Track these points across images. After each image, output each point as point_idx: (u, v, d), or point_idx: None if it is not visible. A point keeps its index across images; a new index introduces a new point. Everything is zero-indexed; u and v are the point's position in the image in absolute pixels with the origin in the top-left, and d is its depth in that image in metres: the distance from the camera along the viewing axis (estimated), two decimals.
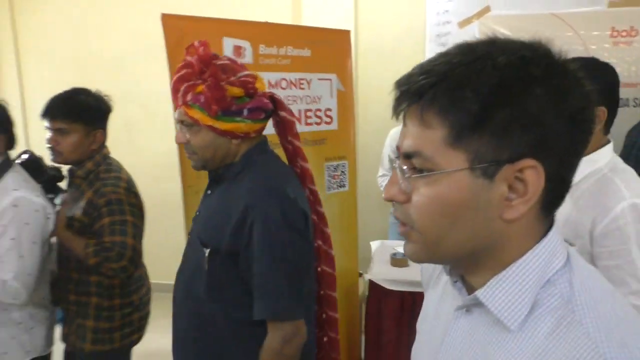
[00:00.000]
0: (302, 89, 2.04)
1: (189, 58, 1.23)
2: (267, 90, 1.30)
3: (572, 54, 0.67)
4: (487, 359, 0.59)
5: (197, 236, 1.28)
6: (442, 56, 0.57)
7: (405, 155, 0.59)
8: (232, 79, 1.20)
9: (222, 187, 1.29)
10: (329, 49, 1.98)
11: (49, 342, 1.78)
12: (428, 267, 0.78)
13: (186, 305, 1.30)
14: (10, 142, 1.69)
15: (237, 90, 1.20)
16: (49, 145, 1.70)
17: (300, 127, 1.59)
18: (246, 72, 1.24)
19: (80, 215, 1.65)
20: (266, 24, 1.92)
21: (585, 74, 0.57)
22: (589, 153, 1.28)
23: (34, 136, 3.91)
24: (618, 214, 1.19)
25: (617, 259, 1.19)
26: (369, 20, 3.38)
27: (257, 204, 1.17)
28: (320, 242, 1.38)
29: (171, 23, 1.59)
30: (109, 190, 1.63)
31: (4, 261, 1.54)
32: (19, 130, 1.78)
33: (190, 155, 1.29)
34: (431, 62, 0.57)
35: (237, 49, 1.75)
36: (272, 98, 1.30)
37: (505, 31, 2.58)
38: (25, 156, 1.84)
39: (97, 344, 1.71)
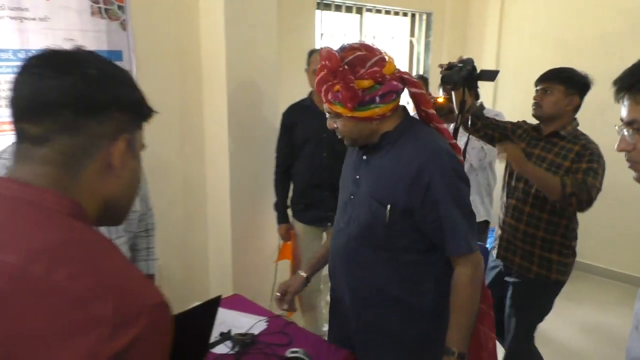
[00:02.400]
0: None
1: (323, 62, 1.37)
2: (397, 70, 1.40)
3: None
4: None
5: (370, 196, 1.46)
6: None
7: (627, 123, 0.98)
8: (361, 72, 1.34)
9: (382, 153, 1.46)
10: None
11: None
12: None
13: (356, 257, 1.52)
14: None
15: (366, 83, 1.34)
16: (534, 101, 2.22)
17: None
18: (375, 59, 1.35)
19: (561, 160, 2.13)
20: None
21: None
22: None
23: (501, 102, 4.30)
24: None
25: None
26: None
27: (430, 164, 1.38)
28: None
29: None
30: (594, 147, 2.11)
31: None
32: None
33: (342, 138, 1.49)
34: (635, 66, 0.97)
35: None
36: (402, 78, 1.41)
37: None
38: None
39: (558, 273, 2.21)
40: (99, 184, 0.73)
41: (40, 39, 2.17)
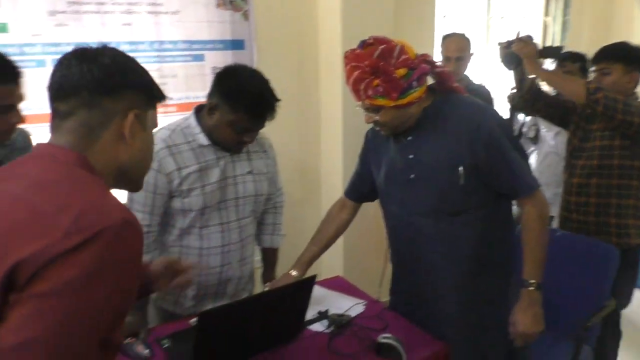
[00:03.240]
0: None
1: (354, 64, 1.46)
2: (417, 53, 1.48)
3: None
4: None
5: (438, 165, 1.52)
6: None
7: None
8: (394, 62, 1.42)
9: (428, 127, 1.54)
10: None
11: None
12: None
13: (432, 231, 1.59)
14: None
15: (402, 71, 1.42)
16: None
17: None
18: (398, 49, 1.43)
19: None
20: None
21: None
22: None
23: None
24: None
25: None
26: None
27: (484, 118, 1.50)
28: None
29: None
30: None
31: None
32: None
33: (381, 128, 1.59)
34: None
35: None
36: (426, 60, 1.49)
37: None
38: None
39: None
40: (112, 150, 0.90)
41: (172, 31, 2.38)
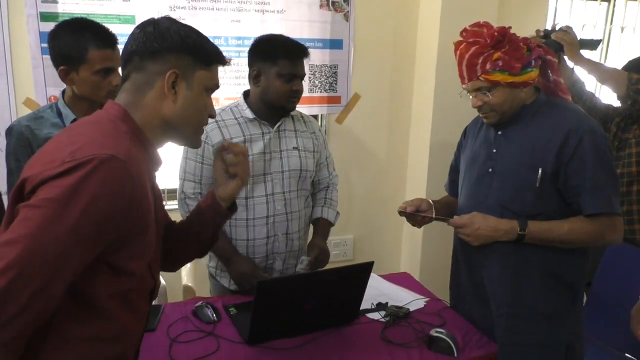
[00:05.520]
0: None
1: (472, 39, 1.49)
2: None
3: None
4: None
5: (517, 163, 1.52)
6: None
7: None
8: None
9: (520, 125, 1.55)
10: None
11: None
12: None
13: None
14: None
15: (523, 47, 1.48)
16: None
17: None
18: (510, 32, 1.50)
19: None
20: None
21: None
22: None
23: None
24: None
25: None
26: None
27: (581, 127, 1.46)
28: None
29: None
30: None
31: None
32: None
33: (487, 114, 1.57)
34: None
35: None
36: (540, 46, 1.55)
37: None
38: None
39: None
40: (157, 106, 1.04)
41: (276, 29, 2.55)
